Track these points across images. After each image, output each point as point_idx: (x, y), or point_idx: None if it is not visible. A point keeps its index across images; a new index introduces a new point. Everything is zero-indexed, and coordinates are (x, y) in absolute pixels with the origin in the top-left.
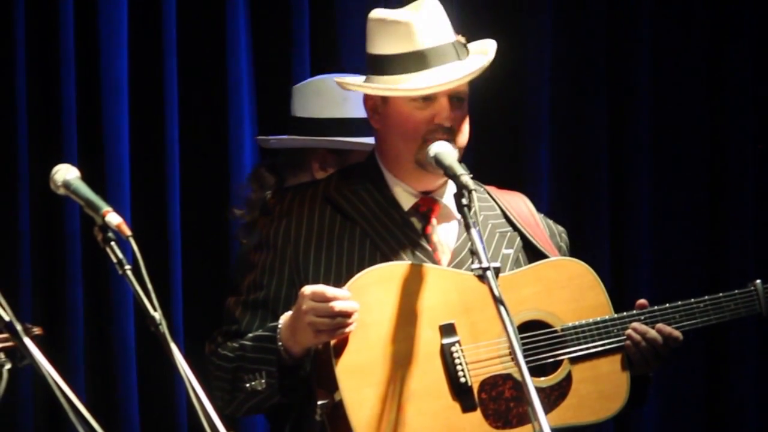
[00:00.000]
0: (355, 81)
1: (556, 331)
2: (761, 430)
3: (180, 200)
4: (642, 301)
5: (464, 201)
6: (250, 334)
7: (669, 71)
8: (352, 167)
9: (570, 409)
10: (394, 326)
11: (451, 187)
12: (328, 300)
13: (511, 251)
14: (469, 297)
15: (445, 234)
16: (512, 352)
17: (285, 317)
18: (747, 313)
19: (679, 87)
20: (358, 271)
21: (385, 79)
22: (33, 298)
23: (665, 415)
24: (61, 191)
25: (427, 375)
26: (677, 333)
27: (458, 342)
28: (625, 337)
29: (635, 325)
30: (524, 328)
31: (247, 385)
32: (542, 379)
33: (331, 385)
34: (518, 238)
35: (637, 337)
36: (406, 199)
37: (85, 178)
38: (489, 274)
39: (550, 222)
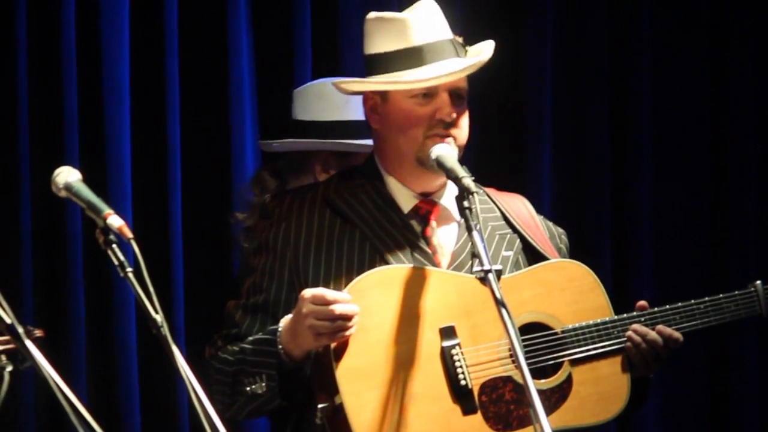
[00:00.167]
0: (350, 80)
1: (556, 333)
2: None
3: (181, 202)
4: (642, 302)
5: (466, 204)
6: (251, 338)
7: (670, 73)
8: (351, 170)
9: (570, 411)
10: (395, 329)
11: (450, 189)
12: (328, 303)
13: (510, 253)
14: (469, 299)
15: (444, 236)
16: (514, 355)
17: (285, 320)
18: (747, 314)
19: (681, 89)
20: (358, 274)
21: (383, 77)
22: (34, 300)
23: (666, 416)
24: (63, 194)
25: (427, 378)
26: (677, 334)
27: (458, 345)
28: (625, 338)
29: (635, 326)
30: (524, 330)
31: (248, 388)
32: (543, 381)
33: (331, 388)
34: (518, 240)
35: (638, 338)
36: (406, 202)
37: (87, 180)
38: (491, 276)
39: (550, 224)
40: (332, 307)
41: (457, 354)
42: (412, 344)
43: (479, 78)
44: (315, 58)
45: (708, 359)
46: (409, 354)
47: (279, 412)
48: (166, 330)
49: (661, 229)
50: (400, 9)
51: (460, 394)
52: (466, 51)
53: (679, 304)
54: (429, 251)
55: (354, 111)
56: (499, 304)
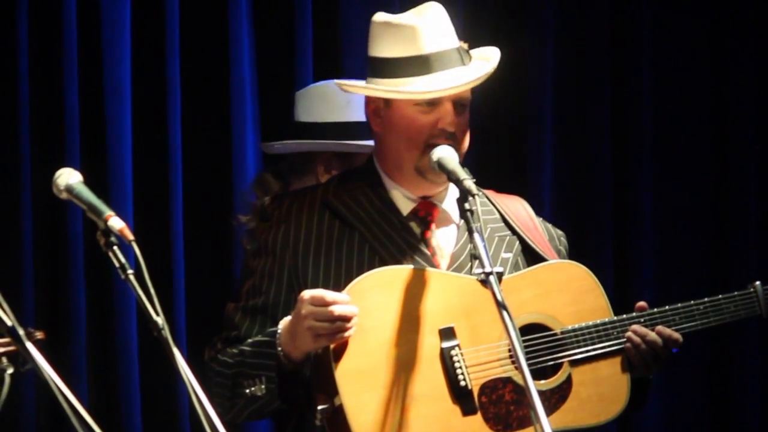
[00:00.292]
0: (357, 84)
1: (555, 334)
2: None
3: (183, 204)
4: (641, 303)
5: (467, 206)
6: (250, 340)
7: (671, 75)
8: (350, 172)
9: (570, 412)
10: (394, 330)
11: (450, 192)
12: (327, 304)
13: (510, 255)
14: (468, 301)
15: (443, 238)
16: (515, 357)
17: (284, 322)
18: (747, 314)
19: (682, 90)
20: (358, 275)
21: (387, 82)
22: (35, 302)
23: (667, 417)
24: (64, 195)
25: (427, 379)
26: (677, 335)
27: (458, 345)
28: (624, 339)
29: (635, 327)
30: (524, 331)
31: (247, 390)
32: (542, 382)
33: (331, 389)
34: (517, 242)
35: (637, 339)
36: (405, 204)
37: (88, 182)
38: (492, 278)
39: (549, 226)
40: (331, 308)
41: (456, 355)
42: (412, 345)
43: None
44: (316, 59)
45: (709, 360)
46: (409, 355)
47: (279, 414)
48: (167, 332)
49: (663, 231)
50: (401, 10)
51: (460, 395)
52: (470, 57)
53: (679, 305)
54: (428, 253)
55: (355, 111)
56: (500, 306)
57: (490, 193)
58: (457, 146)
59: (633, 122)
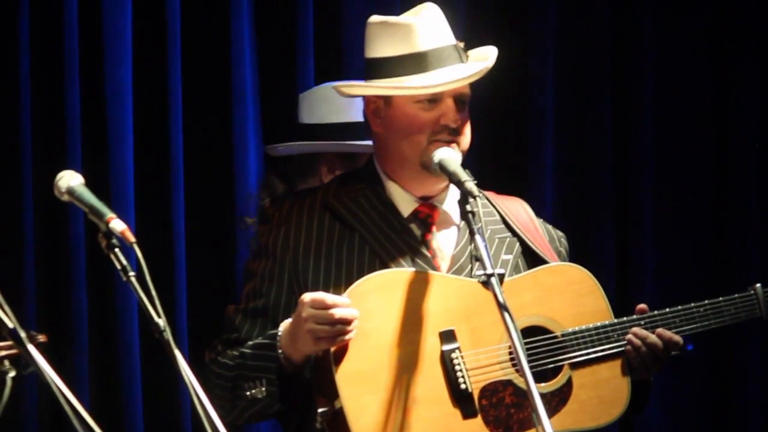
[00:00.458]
0: (355, 85)
1: (556, 337)
2: None
3: (184, 206)
4: (642, 306)
5: (468, 207)
6: (250, 342)
7: (673, 75)
8: (350, 173)
9: (571, 414)
10: (394, 333)
11: (451, 193)
12: (327, 307)
13: (510, 257)
14: (469, 303)
15: (444, 240)
16: (517, 360)
17: (285, 325)
18: (747, 317)
19: (683, 90)
20: (358, 278)
21: (386, 81)
22: (37, 305)
23: (669, 420)
24: (65, 198)
25: (427, 382)
26: (677, 337)
27: (458, 348)
28: (625, 342)
29: (635, 330)
30: (524, 333)
31: (248, 393)
32: (543, 384)
33: (331, 392)
34: (517, 244)
35: (638, 342)
36: (406, 206)
37: (89, 184)
38: (493, 280)
39: (550, 227)
40: (332, 311)
41: (457, 358)
42: (412, 348)
43: (482, 81)
44: (317, 61)
45: (711, 363)
46: (409, 358)
47: (279, 416)
48: (168, 334)
49: (663, 232)
50: (403, 11)
51: (460, 398)
52: (467, 56)
53: (679, 307)
54: (428, 255)
55: (358, 112)
56: (502, 308)
57: (490, 194)
58: (458, 143)
59: (634, 122)
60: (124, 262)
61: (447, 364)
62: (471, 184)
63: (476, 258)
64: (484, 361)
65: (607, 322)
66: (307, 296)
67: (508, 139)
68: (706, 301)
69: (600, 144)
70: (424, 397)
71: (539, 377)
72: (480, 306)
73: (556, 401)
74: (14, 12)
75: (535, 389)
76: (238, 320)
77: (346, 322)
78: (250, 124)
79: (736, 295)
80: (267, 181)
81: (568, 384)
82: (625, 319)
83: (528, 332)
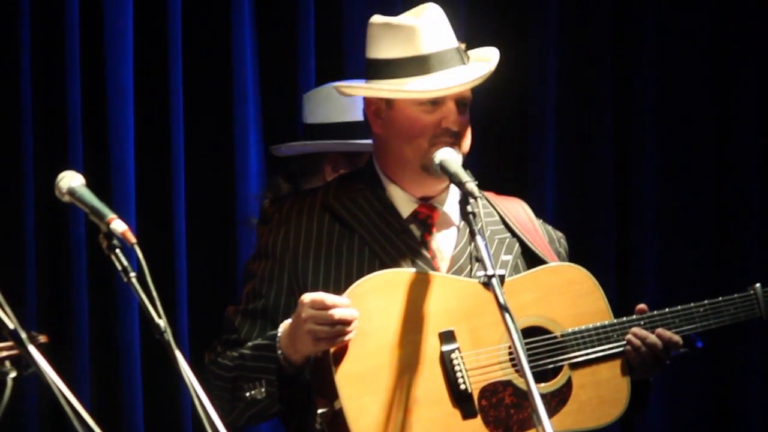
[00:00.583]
0: (358, 86)
1: (555, 337)
2: None
3: (185, 207)
4: (641, 306)
5: (469, 208)
6: (250, 343)
7: (674, 75)
8: (350, 174)
9: (570, 415)
10: (394, 333)
11: (451, 194)
12: (327, 308)
13: (509, 257)
14: (468, 304)
15: (444, 241)
16: (518, 360)
17: (284, 325)
18: (747, 317)
19: (685, 91)
20: (358, 278)
21: (388, 83)
22: (38, 305)
23: (670, 420)
24: (66, 198)
25: (427, 382)
26: (677, 338)
27: (458, 349)
28: (624, 342)
29: (635, 330)
30: (524, 334)
31: (247, 394)
32: (542, 385)
33: (330, 393)
34: (517, 244)
35: (637, 342)
36: (405, 206)
37: (90, 184)
38: (494, 281)
39: (549, 227)
40: (331, 311)
41: (456, 358)
42: (412, 348)
43: (484, 82)
44: (318, 61)
45: (711, 363)
46: (409, 358)
47: (279, 417)
48: (169, 335)
49: (665, 232)
50: (403, 12)
51: (460, 399)
52: (468, 57)
53: (679, 307)
54: (428, 256)
55: (361, 111)
56: (503, 309)
57: (489, 194)
58: (459, 145)
59: (635, 123)
60: (125, 262)
61: (447, 364)
62: (472, 185)
63: (477, 259)
64: (484, 361)
65: (606, 323)
66: (307, 297)
67: (509, 140)
68: (706, 301)
69: (601, 144)
70: (423, 397)
71: (539, 377)
72: (480, 306)
73: (555, 401)
74: (15, 12)
75: (536, 390)
76: (238, 321)
77: (346, 322)
78: (251, 124)
79: (736, 295)
80: (272, 181)
81: (568, 384)
82: (624, 319)
83: (528, 332)
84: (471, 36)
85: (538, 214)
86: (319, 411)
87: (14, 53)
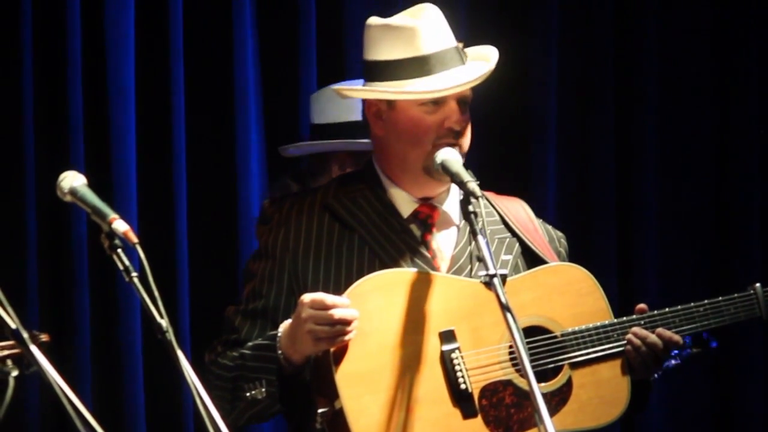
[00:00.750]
0: (359, 88)
1: (556, 337)
2: None
3: (187, 207)
4: (641, 305)
5: (471, 208)
6: (250, 343)
7: (676, 77)
8: (350, 174)
9: (571, 414)
10: (394, 333)
11: (451, 194)
12: (327, 307)
13: (509, 257)
14: (469, 303)
15: (444, 241)
16: (520, 360)
17: (284, 325)
18: (746, 316)
19: (686, 92)
20: (358, 278)
21: (388, 84)
22: (39, 304)
23: (671, 419)
24: (68, 198)
25: (427, 382)
26: (677, 337)
27: (458, 348)
28: (625, 342)
29: (635, 329)
30: (524, 333)
31: (247, 394)
32: (543, 384)
33: (331, 392)
34: (517, 244)
35: (638, 341)
36: (406, 206)
37: (92, 184)
38: (496, 281)
39: (549, 227)
40: (331, 311)
41: (456, 358)
42: (412, 348)
43: (484, 82)
44: (320, 62)
45: (713, 363)
46: (409, 358)
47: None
48: (171, 335)
49: (666, 232)
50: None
51: (460, 398)
52: (466, 55)
53: (679, 307)
54: (428, 255)
55: None
56: (505, 309)
57: (489, 194)
58: (461, 145)
59: (636, 123)
60: (127, 262)
61: (447, 364)
62: (473, 185)
63: (479, 258)
64: (484, 361)
65: (606, 322)
66: (307, 297)
67: (510, 140)
68: (706, 301)
69: (602, 145)
70: (424, 397)
71: (539, 377)
72: (480, 306)
73: (556, 401)
74: (16, 12)
75: (538, 390)
76: (238, 321)
77: (346, 322)
78: (253, 124)
79: (736, 295)
80: (281, 182)
81: (568, 384)
82: (624, 318)
83: (528, 332)
84: (471, 36)
85: (540, 214)
86: (320, 411)
87: (16, 53)
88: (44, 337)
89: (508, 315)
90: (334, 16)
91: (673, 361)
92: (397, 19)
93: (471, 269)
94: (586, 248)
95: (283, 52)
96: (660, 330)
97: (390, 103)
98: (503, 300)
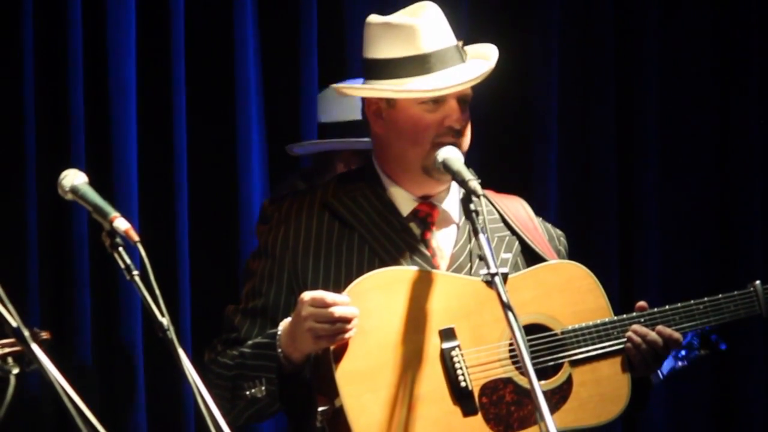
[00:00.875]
0: (359, 86)
1: (556, 335)
2: None
3: (188, 205)
4: (641, 303)
5: (472, 206)
6: (250, 342)
7: (677, 74)
8: (349, 173)
9: (571, 412)
10: (394, 331)
11: (451, 192)
12: (327, 305)
13: (509, 255)
14: (468, 301)
15: (443, 239)
16: (521, 358)
17: (284, 324)
18: (746, 314)
19: (688, 90)
20: (357, 277)
21: (389, 83)
22: (40, 302)
23: (673, 418)
24: (69, 196)
25: (427, 380)
26: (677, 335)
27: (458, 346)
28: (625, 339)
29: (635, 327)
30: (524, 331)
31: (247, 392)
32: (543, 382)
33: (331, 391)
34: (516, 242)
35: (638, 339)
36: (405, 205)
37: (93, 183)
38: (497, 280)
39: (549, 226)
40: (332, 309)
41: (457, 356)
42: (412, 346)
43: (486, 81)
44: (321, 61)
45: (715, 361)
46: (409, 356)
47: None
48: (172, 333)
49: (668, 231)
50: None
51: (461, 396)
52: (466, 53)
53: (679, 304)
54: (428, 254)
55: None
56: (506, 307)
57: (489, 193)
58: (461, 143)
59: (638, 122)
60: (128, 260)
61: (447, 362)
62: (475, 183)
63: (480, 257)
64: (485, 358)
65: (607, 320)
66: (307, 295)
67: (512, 139)
68: (706, 299)
69: (604, 144)
70: (424, 395)
71: (539, 375)
72: (480, 304)
73: (556, 399)
74: (17, 10)
75: (539, 388)
76: (238, 320)
77: (346, 320)
78: (254, 123)
79: (736, 293)
80: (289, 181)
81: (569, 381)
82: (624, 316)
83: (528, 330)
84: (473, 35)
85: (541, 213)
86: (320, 409)
87: (17, 51)
88: (45, 335)
89: (510, 314)
90: (335, 15)
91: (680, 363)
92: (396, 18)
93: (471, 267)
94: (588, 246)
95: (284, 51)
96: (660, 327)
97: (390, 102)
98: (505, 298)
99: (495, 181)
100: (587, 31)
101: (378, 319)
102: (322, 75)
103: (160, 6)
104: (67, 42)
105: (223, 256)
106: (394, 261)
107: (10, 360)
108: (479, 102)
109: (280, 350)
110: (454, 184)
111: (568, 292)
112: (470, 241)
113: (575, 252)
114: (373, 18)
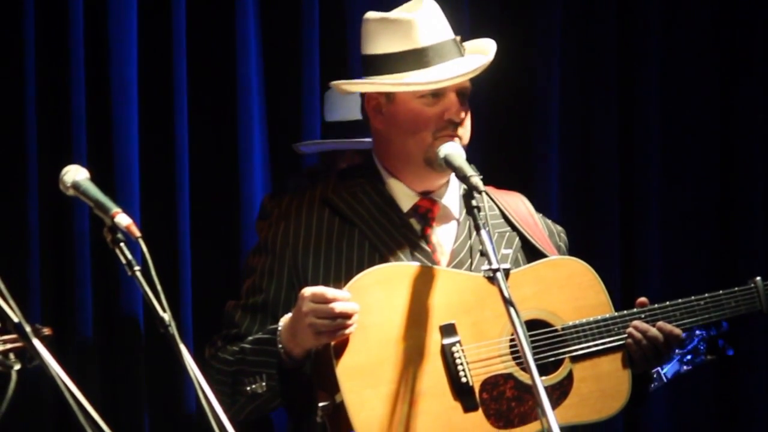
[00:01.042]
0: (358, 82)
1: (556, 330)
2: None
3: (189, 201)
4: (642, 299)
5: (474, 202)
6: (250, 337)
7: (679, 73)
8: (349, 169)
9: (572, 408)
10: (395, 327)
11: (451, 188)
12: (328, 301)
13: (509, 251)
14: (469, 297)
15: (444, 235)
16: (523, 356)
17: (285, 319)
18: (747, 310)
19: (690, 90)
20: (358, 272)
21: (387, 78)
22: (42, 298)
23: (675, 415)
24: (71, 192)
25: (428, 375)
26: (678, 331)
27: (459, 342)
28: (625, 335)
29: (636, 323)
30: (525, 327)
31: (248, 388)
32: (544, 378)
33: (331, 386)
34: (517, 238)
35: (638, 335)
36: (405, 200)
37: (94, 179)
38: (499, 275)
39: (549, 222)
40: (332, 305)
41: (457, 351)
42: (413, 342)
43: (487, 78)
44: (323, 60)
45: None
46: (410, 351)
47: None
48: (173, 328)
49: (669, 227)
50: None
51: (461, 392)
52: (464, 48)
53: (679, 300)
54: (428, 250)
55: None
56: (508, 303)
57: (489, 189)
58: (461, 136)
59: (640, 123)
60: (129, 256)
61: (448, 357)
62: (476, 179)
63: (482, 253)
64: (485, 354)
65: (607, 316)
66: (308, 290)
67: (513, 136)
68: (707, 295)
69: (605, 140)
70: (424, 390)
71: (540, 370)
72: (481, 300)
73: (557, 394)
74: (19, 10)
75: (541, 383)
76: (238, 316)
77: (347, 316)
78: (256, 122)
79: (737, 289)
80: (294, 180)
81: (569, 377)
82: (625, 312)
83: (528, 326)
84: (475, 33)
85: (543, 209)
86: (321, 404)
87: (18, 49)
88: (47, 331)
89: (512, 309)
90: (336, 15)
91: (685, 368)
92: (394, 13)
93: (471, 263)
94: (589, 243)
95: (286, 50)
96: (661, 323)
97: (389, 97)
98: (506, 294)
99: (496, 178)
100: (588, 30)
101: (378, 314)
102: (323, 74)
103: (162, 4)
104: (69, 39)
105: (225, 252)
106: (394, 257)
107: (11, 356)
108: (480, 101)
109: (280, 346)
110: (453, 180)
111: (568, 288)
112: (470, 237)
113: (576, 248)
114: (371, 14)
